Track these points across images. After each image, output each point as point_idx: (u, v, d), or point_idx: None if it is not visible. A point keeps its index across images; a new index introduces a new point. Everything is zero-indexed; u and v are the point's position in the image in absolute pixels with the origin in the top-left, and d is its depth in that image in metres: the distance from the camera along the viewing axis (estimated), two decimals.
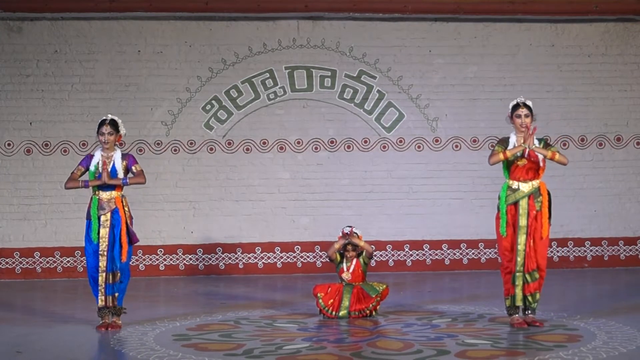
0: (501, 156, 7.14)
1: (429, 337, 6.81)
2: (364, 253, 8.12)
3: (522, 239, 7.10)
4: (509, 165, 7.18)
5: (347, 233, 8.13)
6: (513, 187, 7.18)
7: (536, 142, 7.15)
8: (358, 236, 8.15)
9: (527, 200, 7.13)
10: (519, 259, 7.09)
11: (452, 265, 11.49)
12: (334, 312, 7.80)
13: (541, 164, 7.16)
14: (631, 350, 6.21)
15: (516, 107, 7.18)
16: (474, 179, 11.49)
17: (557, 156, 7.09)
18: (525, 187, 7.14)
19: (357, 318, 7.74)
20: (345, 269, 8.09)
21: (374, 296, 7.83)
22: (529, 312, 7.16)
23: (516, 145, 7.14)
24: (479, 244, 11.52)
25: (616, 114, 11.71)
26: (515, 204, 7.16)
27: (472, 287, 10.27)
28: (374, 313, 7.84)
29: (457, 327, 7.23)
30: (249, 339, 6.77)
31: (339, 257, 8.15)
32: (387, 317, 7.78)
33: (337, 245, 8.12)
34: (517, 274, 7.10)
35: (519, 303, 7.13)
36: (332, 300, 7.87)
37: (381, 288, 7.91)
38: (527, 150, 7.07)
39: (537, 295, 7.18)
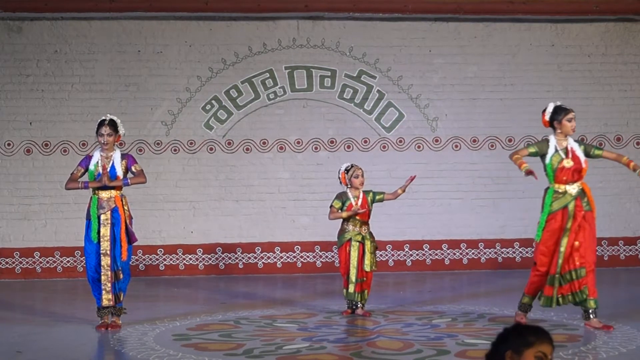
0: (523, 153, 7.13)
1: (429, 337, 6.81)
2: (371, 194, 8.12)
3: (564, 241, 7.05)
4: (554, 168, 7.09)
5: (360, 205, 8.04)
6: (560, 191, 7.08)
7: (575, 144, 7.12)
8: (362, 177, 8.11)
9: (574, 203, 7.07)
10: (560, 261, 7.05)
11: (452, 265, 11.49)
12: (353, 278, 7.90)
13: (583, 165, 7.11)
14: (631, 350, 6.21)
15: (566, 110, 7.13)
16: (474, 179, 11.49)
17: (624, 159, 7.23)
18: (573, 189, 7.07)
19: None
20: (354, 203, 8.06)
21: (364, 270, 7.92)
22: (593, 315, 7.13)
23: (558, 148, 7.09)
24: (479, 243, 11.52)
25: (616, 114, 11.70)
26: (564, 208, 7.08)
27: (472, 287, 10.27)
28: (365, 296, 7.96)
29: (457, 327, 7.23)
30: (249, 339, 6.78)
31: (340, 204, 8.09)
32: (387, 317, 7.78)
33: (344, 215, 8.04)
34: (557, 275, 7.07)
35: (555, 305, 7.13)
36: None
37: (370, 268, 7.93)
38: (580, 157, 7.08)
39: (585, 293, 7.10)
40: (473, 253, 11.54)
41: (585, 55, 11.70)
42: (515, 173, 11.41)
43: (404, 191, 8.12)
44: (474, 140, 11.59)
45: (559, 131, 7.15)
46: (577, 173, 7.09)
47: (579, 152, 7.11)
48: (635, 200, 11.71)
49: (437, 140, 11.57)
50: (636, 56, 11.75)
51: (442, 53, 11.57)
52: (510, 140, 11.54)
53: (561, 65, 11.68)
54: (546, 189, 7.18)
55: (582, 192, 7.11)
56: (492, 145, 11.54)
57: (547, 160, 7.11)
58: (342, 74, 11.47)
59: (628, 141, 11.70)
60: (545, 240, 7.09)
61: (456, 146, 11.58)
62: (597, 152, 7.22)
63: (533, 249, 7.51)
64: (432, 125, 11.56)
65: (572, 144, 7.14)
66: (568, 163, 7.06)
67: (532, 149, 7.19)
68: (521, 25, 11.63)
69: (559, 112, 7.14)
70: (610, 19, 11.61)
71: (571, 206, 7.05)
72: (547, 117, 7.19)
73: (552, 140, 7.15)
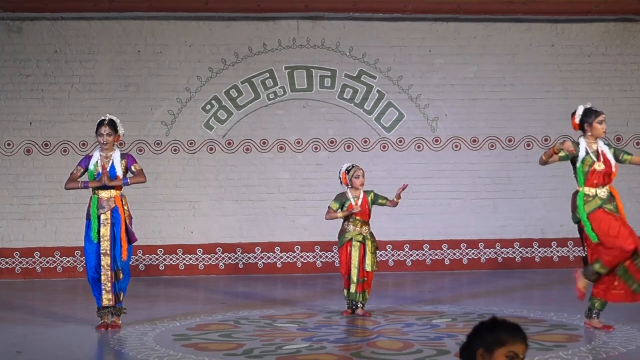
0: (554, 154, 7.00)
1: (428, 337, 6.81)
2: (372, 195, 8.12)
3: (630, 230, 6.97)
4: (585, 171, 7.00)
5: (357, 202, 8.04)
6: (590, 194, 6.98)
7: (605, 147, 7.06)
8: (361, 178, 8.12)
9: (607, 204, 7.01)
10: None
11: (452, 265, 11.49)
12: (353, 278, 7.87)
13: (614, 169, 7.02)
14: (631, 350, 6.21)
15: (596, 113, 7.06)
16: (474, 179, 11.49)
17: None
18: (602, 193, 6.99)
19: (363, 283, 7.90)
20: (353, 203, 8.06)
21: (365, 270, 7.91)
22: (595, 315, 7.07)
23: (589, 151, 6.97)
24: (478, 243, 11.51)
25: (616, 114, 11.68)
26: (598, 209, 6.99)
27: (472, 287, 10.27)
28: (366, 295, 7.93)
29: (457, 327, 7.23)
30: (249, 339, 6.78)
31: (337, 205, 8.09)
32: (387, 317, 7.78)
33: (340, 215, 8.07)
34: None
35: None
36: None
37: (371, 268, 7.93)
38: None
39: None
40: (473, 253, 11.53)
41: (585, 55, 11.70)
42: (515, 173, 11.49)
43: (399, 198, 8.09)
44: (474, 140, 11.59)
45: (589, 134, 7.03)
46: (607, 176, 7.00)
47: (610, 155, 7.02)
48: (635, 200, 11.71)
49: (437, 140, 11.56)
50: (636, 56, 11.75)
51: (442, 53, 11.57)
52: (510, 140, 11.54)
53: (561, 65, 11.68)
54: (575, 193, 7.05)
55: (611, 196, 7.05)
56: (492, 145, 11.54)
57: (579, 163, 6.99)
58: (342, 74, 11.47)
59: (628, 141, 11.69)
60: (609, 229, 6.90)
61: (456, 146, 11.58)
62: (626, 156, 7.12)
63: (584, 254, 7.14)
64: (432, 125, 11.56)
65: (602, 147, 7.03)
66: (599, 166, 6.96)
67: (562, 153, 7.05)
68: (521, 25, 11.63)
69: (590, 114, 7.05)
70: (610, 19, 11.61)
71: (607, 206, 6.97)
72: (577, 119, 7.07)
73: (583, 143, 7.02)
